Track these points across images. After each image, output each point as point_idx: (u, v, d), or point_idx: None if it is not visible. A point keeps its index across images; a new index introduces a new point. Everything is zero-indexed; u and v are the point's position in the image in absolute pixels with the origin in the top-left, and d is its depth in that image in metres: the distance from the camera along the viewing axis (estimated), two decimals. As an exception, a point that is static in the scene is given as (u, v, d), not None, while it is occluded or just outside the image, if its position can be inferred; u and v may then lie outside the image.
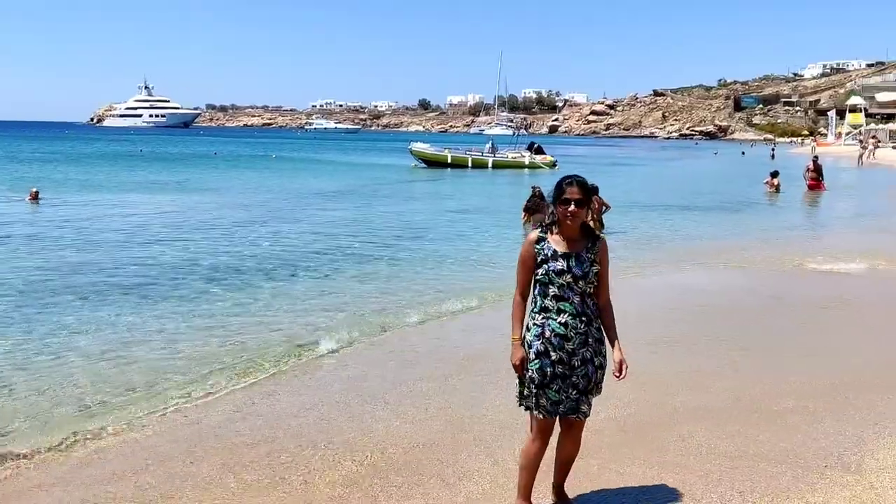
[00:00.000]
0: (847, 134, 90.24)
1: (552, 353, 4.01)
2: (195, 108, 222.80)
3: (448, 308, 9.90)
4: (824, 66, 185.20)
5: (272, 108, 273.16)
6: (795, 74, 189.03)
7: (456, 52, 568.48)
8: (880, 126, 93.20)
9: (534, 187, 18.64)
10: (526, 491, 4.27)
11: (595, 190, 16.42)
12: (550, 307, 4.03)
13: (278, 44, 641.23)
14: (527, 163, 45.54)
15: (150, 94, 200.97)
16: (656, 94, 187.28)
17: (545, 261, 4.05)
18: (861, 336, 8.57)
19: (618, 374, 4.09)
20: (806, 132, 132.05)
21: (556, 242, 4.06)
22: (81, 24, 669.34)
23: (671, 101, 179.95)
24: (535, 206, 17.20)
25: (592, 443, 5.38)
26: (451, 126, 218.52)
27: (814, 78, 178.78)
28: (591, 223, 15.25)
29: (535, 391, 4.06)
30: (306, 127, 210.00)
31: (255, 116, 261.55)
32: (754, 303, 10.33)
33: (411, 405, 6.23)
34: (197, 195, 26.86)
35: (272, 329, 8.81)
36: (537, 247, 4.09)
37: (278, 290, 11.07)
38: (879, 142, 72.86)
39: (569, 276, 4.00)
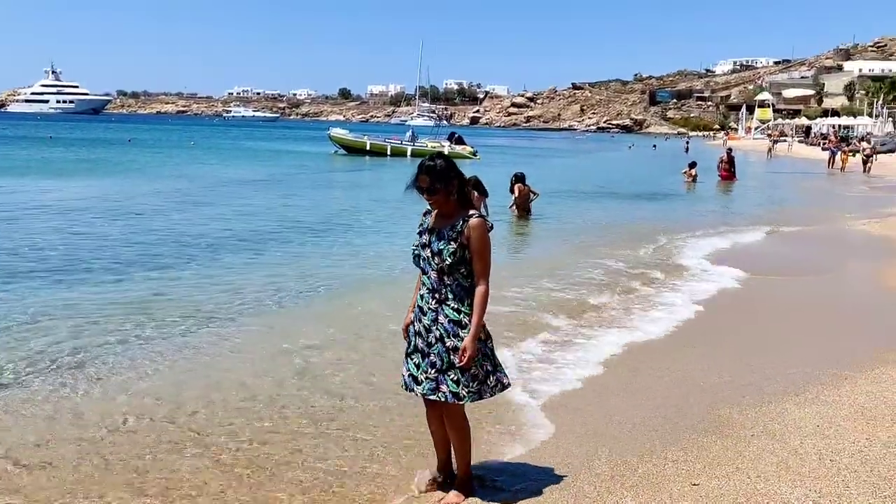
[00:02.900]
0: (756, 128, 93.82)
1: (415, 323, 4.15)
2: (105, 94, 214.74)
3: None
4: (734, 62, 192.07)
5: (187, 94, 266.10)
6: (707, 70, 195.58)
7: (377, 42, 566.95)
8: (787, 121, 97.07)
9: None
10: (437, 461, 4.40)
11: (522, 178, 16.51)
12: (421, 278, 4.18)
13: (193, 28, 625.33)
14: (447, 153, 45.44)
15: (57, 79, 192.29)
16: (575, 87, 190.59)
17: (420, 233, 4.16)
18: (767, 323, 8.91)
19: (458, 359, 3.96)
20: (717, 126, 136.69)
21: (433, 217, 4.14)
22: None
23: (589, 95, 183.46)
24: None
25: (514, 419, 5.46)
26: (372, 116, 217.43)
27: (725, 74, 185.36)
28: (517, 210, 15.17)
29: (405, 356, 4.23)
30: (224, 114, 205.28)
31: (169, 104, 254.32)
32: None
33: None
34: (115, 182, 25.81)
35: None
36: (423, 219, 4.22)
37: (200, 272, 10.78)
38: (785, 137, 76.06)
39: (427, 251, 4.06)
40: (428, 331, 4.06)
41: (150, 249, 12.42)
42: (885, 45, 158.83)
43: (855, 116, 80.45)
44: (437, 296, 4.04)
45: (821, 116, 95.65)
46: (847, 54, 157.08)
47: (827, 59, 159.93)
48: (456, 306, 4.01)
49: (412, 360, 4.15)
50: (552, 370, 6.59)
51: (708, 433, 5.18)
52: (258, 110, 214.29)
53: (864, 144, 36.04)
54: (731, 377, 6.48)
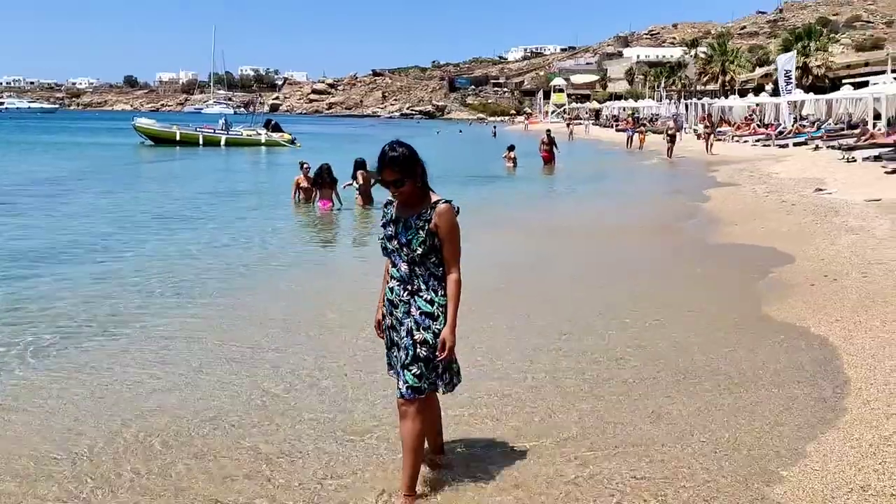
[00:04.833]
0: (553, 112, 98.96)
1: (387, 318, 4.03)
2: None
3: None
4: (525, 49, 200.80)
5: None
6: (501, 57, 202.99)
7: (165, 27, 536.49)
8: (579, 105, 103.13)
9: (303, 162, 18.22)
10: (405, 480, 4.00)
11: (363, 164, 16.36)
12: (389, 271, 4.02)
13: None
14: (263, 140, 44.21)
15: None
16: (375, 74, 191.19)
17: (385, 225, 3.99)
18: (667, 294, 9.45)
19: (439, 353, 3.84)
20: (514, 111, 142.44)
21: (397, 206, 3.98)
22: None
23: (390, 82, 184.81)
24: (322, 181, 16.85)
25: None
26: (162, 105, 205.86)
27: (517, 61, 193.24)
28: (360, 198, 15.06)
29: (386, 351, 4.11)
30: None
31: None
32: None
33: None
34: None
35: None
36: (384, 210, 4.06)
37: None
38: (580, 120, 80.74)
39: (395, 242, 3.91)
40: (401, 323, 3.93)
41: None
42: (658, 33, 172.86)
43: (637, 100, 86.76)
44: (408, 287, 3.90)
45: (608, 100, 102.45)
46: (626, 41, 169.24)
47: (608, 46, 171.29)
48: (429, 297, 3.88)
49: (391, 355, 4.08)
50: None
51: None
52: (34, 101, 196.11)
53: (671, 124, 38.56)
54: (651, 359, 6.81)
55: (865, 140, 25.92)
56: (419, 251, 3.83)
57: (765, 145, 37.49)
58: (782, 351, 6.53)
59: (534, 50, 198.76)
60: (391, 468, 4.34)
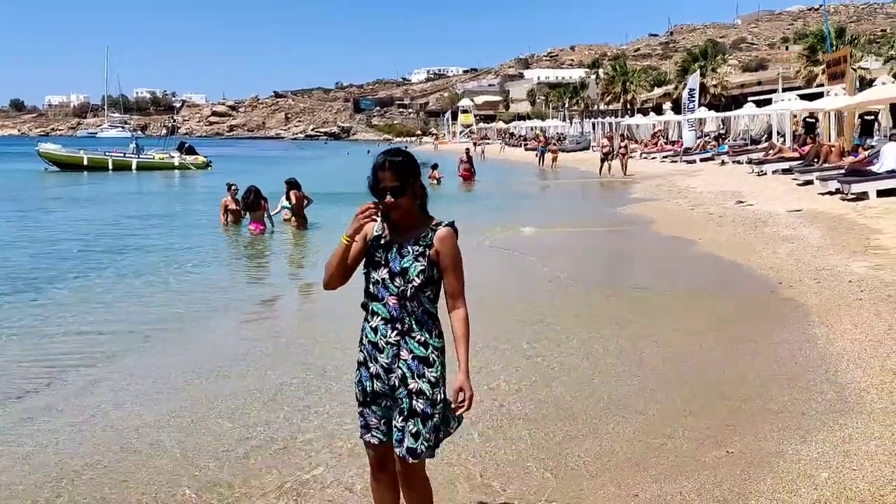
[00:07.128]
0: (461, 133, 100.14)
1: (370, 365, 3.35)
2: None
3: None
4: (428, 71, 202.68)
5: None
6: (404, 79, 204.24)
7: (53, 48, 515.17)
8: (486, 125, 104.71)
9: (231, 184, 17.73)
10: None
11: (295, 183, 16.16)
12: (368, 307, 3.38)
13: None
14: (177, 164, 43.16)
15: None
16: (277, 95, 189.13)
17: (372, 248, 3.37)
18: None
19: (458, 405, 3.31)
20: (420, 132, 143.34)
21: (388, 229, 3.37)
22: None
23: (293, 103, 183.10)
24: (253, 203, 16.39)
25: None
26: (53, 129, 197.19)
27: (420, 82, 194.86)
28: (294, 220, 14.87)
29: (359, 409, 3.43)
30: None
31: None
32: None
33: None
34: None
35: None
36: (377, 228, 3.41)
37: None
38: (488, 140, 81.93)
39: (384, 272, 3.30)
40: (388, 371, 3.30)
41: None
42: (557, 55, 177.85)
43: (543, 119, 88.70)
44: (398, 326, 3.28)
45: (513, 120, 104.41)
46: (526, 63, 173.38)
47: (510, 67, 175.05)
48: (422, 338, 3.30)
49: (378, 404, 3.37)
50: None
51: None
52: None
53: (604, 142, 38.11)
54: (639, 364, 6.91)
55: (774, 154, 27.18)
56: (417, 282, 3.26)
57: (672, 161, 38.75)
58: (782, 354, 6.73)
59: (437, 71, 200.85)
60: None
